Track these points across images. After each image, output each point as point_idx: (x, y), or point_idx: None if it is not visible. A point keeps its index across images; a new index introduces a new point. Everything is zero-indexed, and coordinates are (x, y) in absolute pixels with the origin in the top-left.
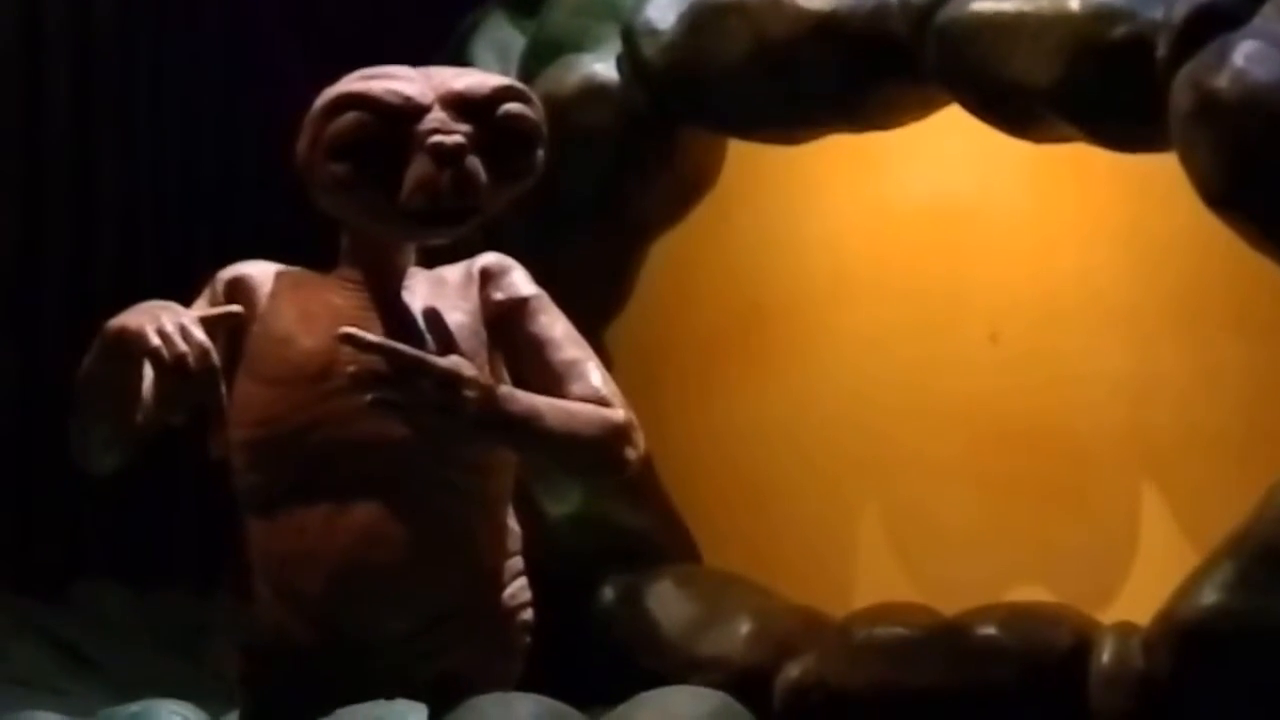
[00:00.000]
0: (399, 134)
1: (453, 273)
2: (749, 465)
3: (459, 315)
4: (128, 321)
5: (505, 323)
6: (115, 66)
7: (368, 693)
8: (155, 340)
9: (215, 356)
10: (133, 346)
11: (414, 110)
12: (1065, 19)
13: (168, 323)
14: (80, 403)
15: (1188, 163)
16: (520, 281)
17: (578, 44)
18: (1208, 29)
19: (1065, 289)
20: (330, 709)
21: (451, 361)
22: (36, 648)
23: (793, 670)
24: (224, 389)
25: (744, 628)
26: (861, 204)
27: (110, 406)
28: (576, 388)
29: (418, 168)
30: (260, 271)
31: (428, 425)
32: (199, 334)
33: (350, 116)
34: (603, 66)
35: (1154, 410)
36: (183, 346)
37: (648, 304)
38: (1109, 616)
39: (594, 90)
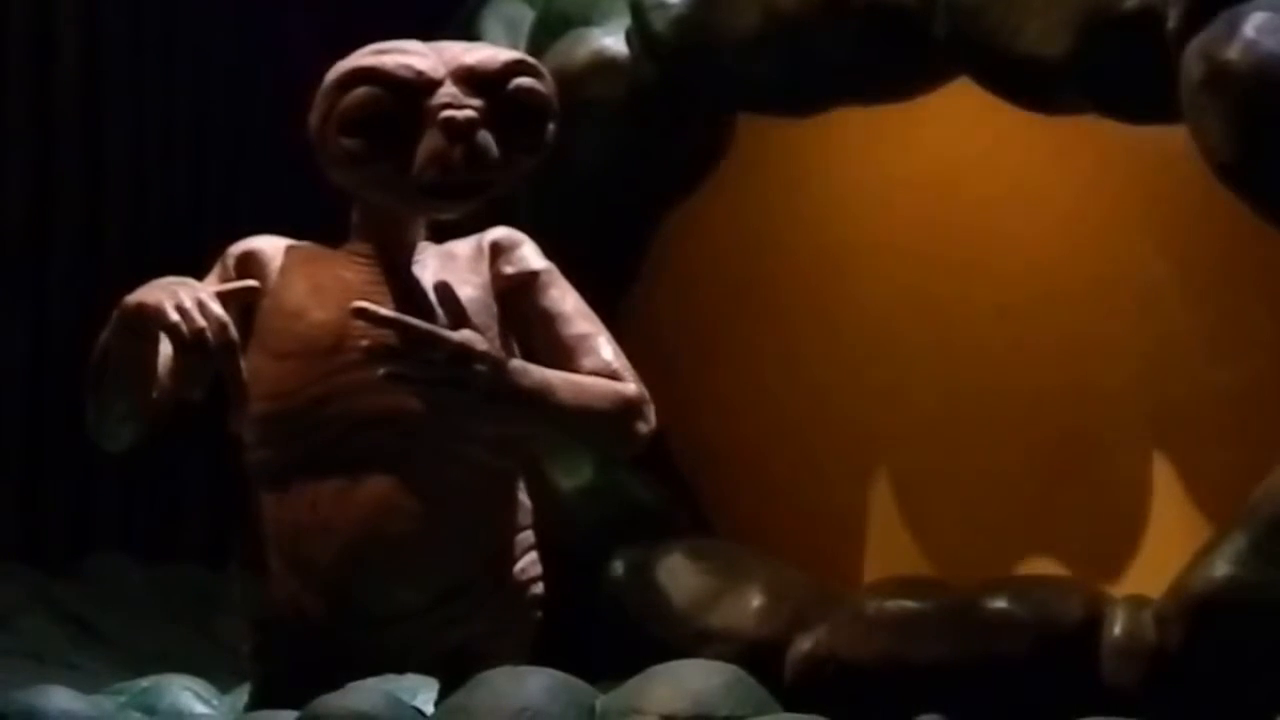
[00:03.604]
0: (411, 108)
1: (463, 247)
2: (759, 438)
3: (469, 289)
4: (145, 298)
5: (516, 297)
6: (125, 38)
7: (379, 666)
8: (174, 316)
9: (234, 331)
10: (151, 322)
11: (426, 85)
12: None
13: (185, 298)
14: (96, 379)
15: (1198, 134)
16: (530, 255)
17: (586, 18)
18: (1218, 0)
19: (1075, 260)
20: (341, 682)
21: (463, 335)
22: (48, 621)
23: (804, 643)
24: (242, 363)
25: (755, 600)
26: (871, 176)
27: (127, 383)
28: (588, 362)
29: (430, 142)
30: (271, 246)
31: (440, 399)
32: (217, 309)
33: (362, 91)
34: (612, 40)
35: (1166, 381)
36: (201, 321)
37: (658, 277)
38: (1121, 589)
39: (603, 64)
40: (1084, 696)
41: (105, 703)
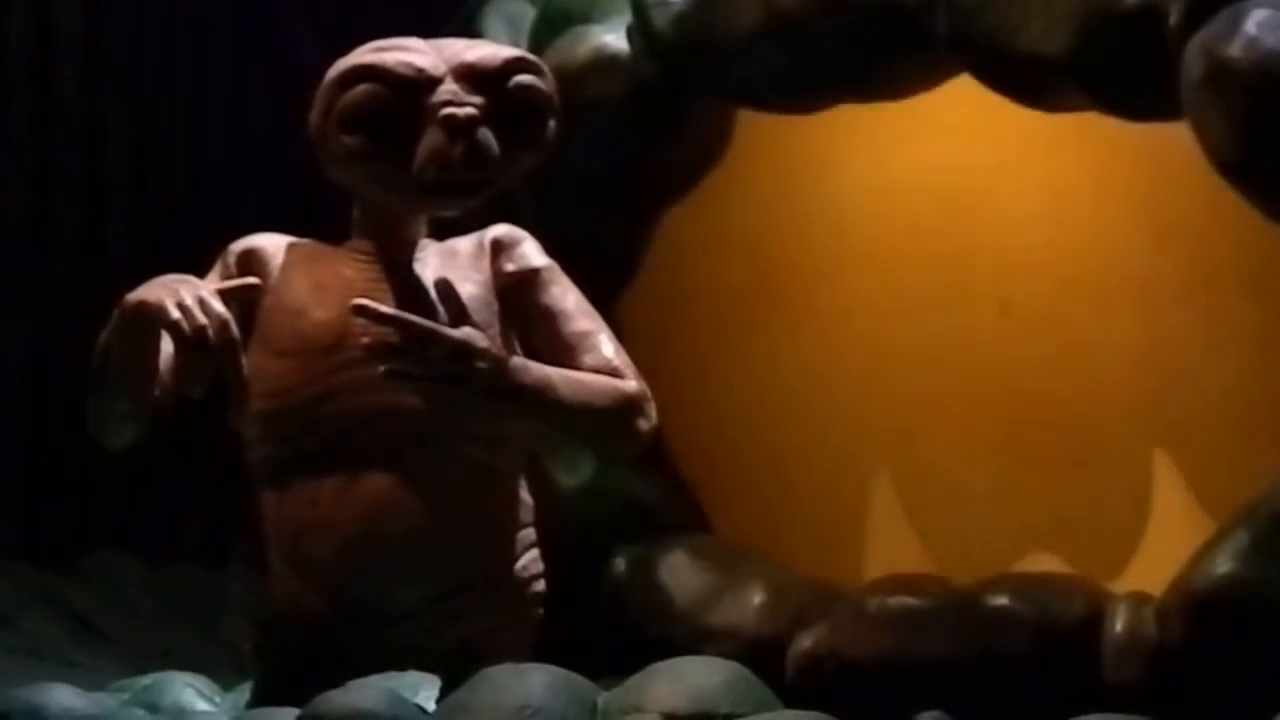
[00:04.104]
0: (411, 106)
1: (464, 244)
2: (760, 436)
3: (470, 287)
4: (146, 295)
5: (517, 294)
6: (126, 37)
7: (381, 664)
8: (175, 313)
9: (235, 328)
10: (152, 320)
11: (426, 82)
12: None
13: (186, 296)
14: (98, 377)
15: (1199, 131)
16: (531, 253)
17: (587, 15)
18: None
19: (1077, 258)
20: (343, 680)
21: (463, 333)
22: (49, 619)
23: (805, 640)
24: (243, 361)
25: (756, 598)
26: (872, 174)
27: (128, 381)
28: (588, 359)
29: (430, 139)
30: (272, 243)
31: (440, 396)
32: (218, 306)
33: (362, 88)
34: (613, 37)
35: (1167, 379)
36: (202, 319)
37: (658, 275)
38: (1122, 586)
39: (604, 61)
40: (1085, 693)
41: (107, 700)
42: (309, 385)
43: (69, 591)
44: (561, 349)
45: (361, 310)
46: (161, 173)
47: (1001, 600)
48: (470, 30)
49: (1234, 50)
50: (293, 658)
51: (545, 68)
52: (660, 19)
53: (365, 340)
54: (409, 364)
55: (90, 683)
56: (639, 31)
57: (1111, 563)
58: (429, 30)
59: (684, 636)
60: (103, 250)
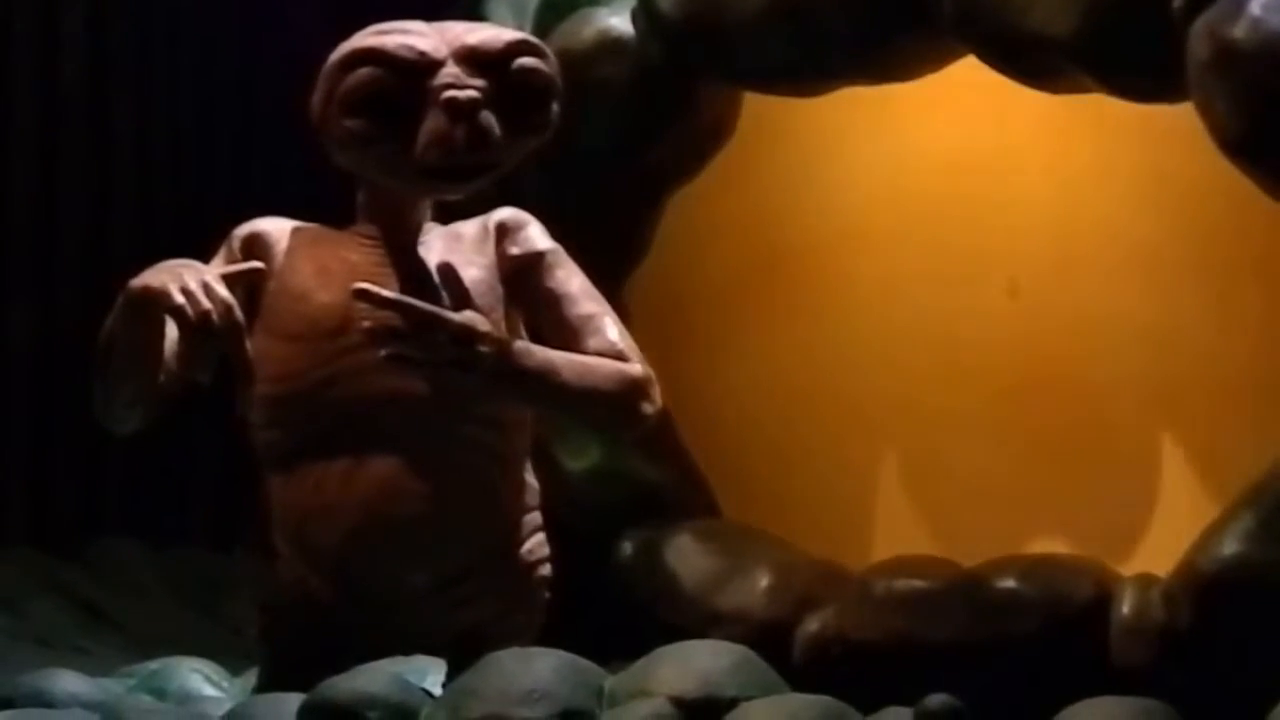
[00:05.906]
0: (413, 89)
1: (469, 228)
2: (767, 418)
3: (475, 270)
4: (150, 280)
5: (522, 277)
6: (131, 20)
7: (387, 648)
8: (179, 298)
9: (239, 313)
10: (156, 305)
11: (428, 65)
12: None
13: (190, 280)
14: (103, 363)
15: (1205, 112)
16: (536, 236)
17: None
18: None
19: (1084, 238)
20: (349, 665)
21: (466, 316)
22: (56, 606)
23: (812, 623)
24: (248, 345)
25: (764, 581)
26: (879, 155)
27: (133, 366)
28: (593, 342)
29: (432, 123)
30: (276, 227)
31: (443, 380)
32: (222, 290)
33: (364, 72)
34: (618, 20)
35: (1174, 359)
36: (206, 303)
37: (665, 258)
38: (1129, 568)
39: (609, 44)
40: (1093, 675)
41: (113, 686)
42: (314, 369)
43: (76, 577)
44: (566, 332)
45: (363, 294)
46: (167, 157)
47: (1008, 582)
48: (474, 14)
49: (1239, 32)
50: (299, 642)
51: (548, 50)
52: (665, 1)
53: (367, 324)
54: (411, 348)
55: (97, 669)
56: (644, 13)
57: (1118, 544)
58: (433, 14)
59: (691, 620)
60: (108, 235)
